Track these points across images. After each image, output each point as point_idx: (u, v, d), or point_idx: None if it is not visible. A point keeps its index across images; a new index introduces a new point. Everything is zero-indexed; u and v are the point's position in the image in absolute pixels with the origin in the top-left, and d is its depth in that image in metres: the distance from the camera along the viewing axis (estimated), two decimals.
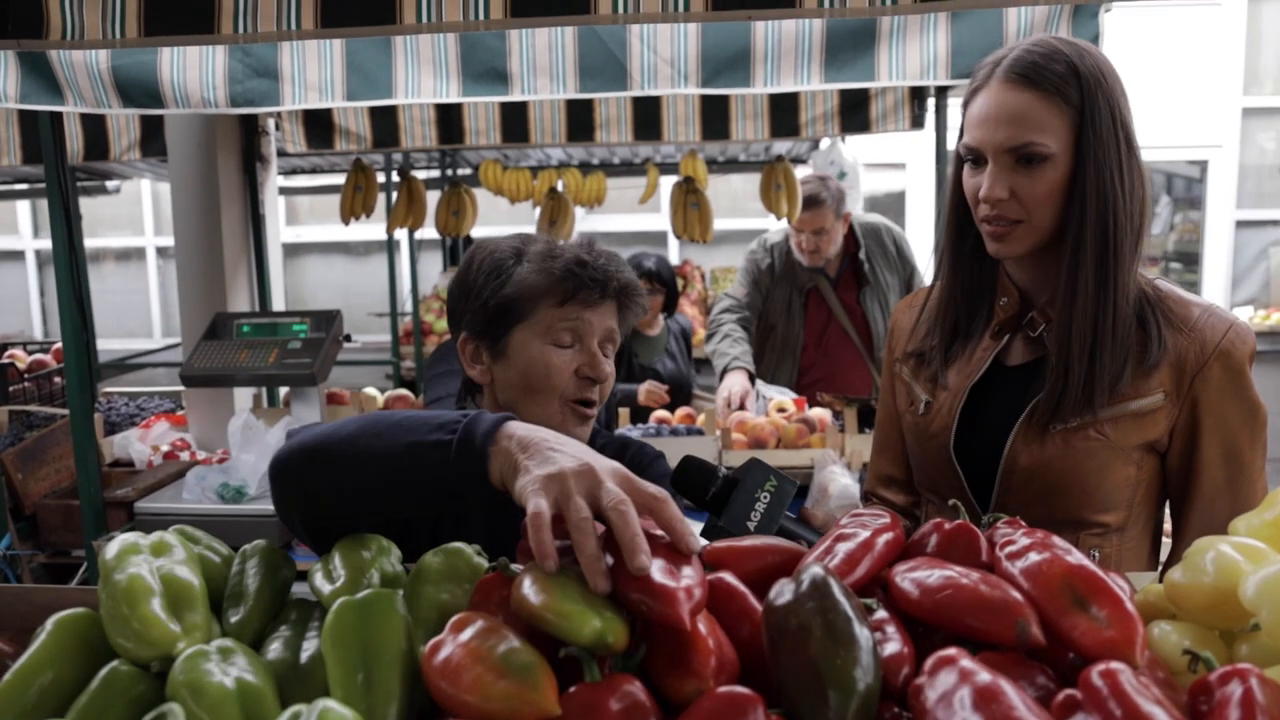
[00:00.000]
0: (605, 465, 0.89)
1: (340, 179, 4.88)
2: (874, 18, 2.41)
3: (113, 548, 0.96)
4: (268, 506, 2.68)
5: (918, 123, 3.75)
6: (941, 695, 0.71)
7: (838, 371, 3.69)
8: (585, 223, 8.24)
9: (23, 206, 9.28)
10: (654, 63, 2.44)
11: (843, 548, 0.95)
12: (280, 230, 4.28)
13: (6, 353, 4.69)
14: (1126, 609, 0.79)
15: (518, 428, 0.96)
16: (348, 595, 0.89)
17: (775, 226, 4.09)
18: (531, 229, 5.48)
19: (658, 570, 0.81)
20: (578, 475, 0.87)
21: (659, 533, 0.90)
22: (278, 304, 4.05)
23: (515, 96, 2.48)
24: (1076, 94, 1.28)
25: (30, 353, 4.79)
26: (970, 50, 2.44)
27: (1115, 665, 0.73)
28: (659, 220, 8.11)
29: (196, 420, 3.67)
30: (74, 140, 3.93)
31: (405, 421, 1.02)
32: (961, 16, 2.42)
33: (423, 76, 2.47)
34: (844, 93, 3.73)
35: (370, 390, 3.65)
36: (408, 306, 6.39)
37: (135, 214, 9.30)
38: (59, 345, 4.69)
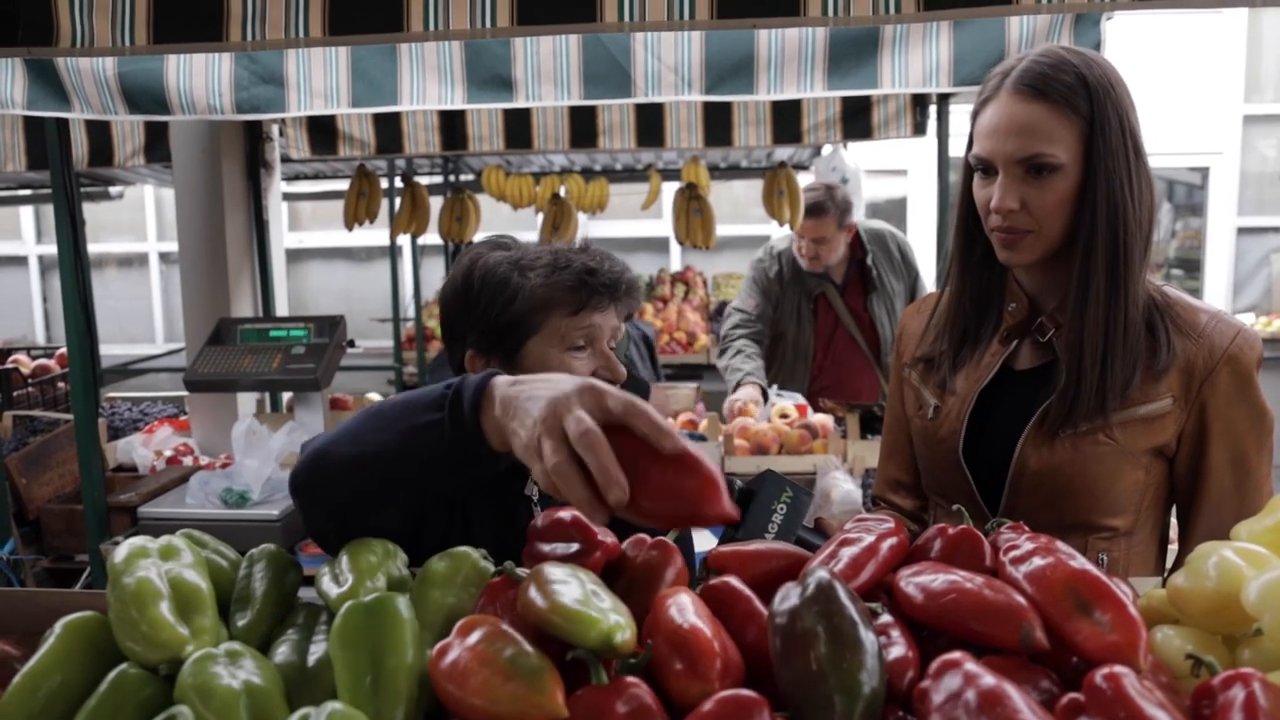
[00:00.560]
0: (565, 397, 0.87)
1: (344, 185, 4.89)
2: (877, 26, 2.42)
3: (122, 551, 0.96)
4: (271, 511, 2.68)
5: (920, 129, 3.76)
6: (946, 699, 0.71)
7: (846, 377, 3.70)
8: (587, 228, 8.25)
9: (26, 212, 9.30)
10: (658, 70, 2.45)
11: (847, 552, 0.95)
12: (284, 236, 4.28)
13: (10, 358, 4.69)
14: (1130, 613, 0.80)
15: (499, 389, 0.94)
16: (355, 599, 0.89)
17: (778, 233, 4.10)
18: (534, 235, 5.49)
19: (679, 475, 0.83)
20: (546, 426, 0.86)
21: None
22: (281, 309, 4.05)
23: (520, 103, 2.49)
24: (1085, 104, 1.29)
25: (34, 358, 4.80)
26: (972, 58, 2.45)
27: (1119, 669, 0.73)
28: (661, 226, 8.12)
29: (200, 425, 3.68)
30: (78, 146, 3.94)
31: (399, 406, 1.02)
32: (964, 25, 2.43)
33: (428, 83, 2.48)
34: (846, 99, 3.73)
35: (373, 395, 3.67)
36: (410, 312, 6.40)
37: (138, 219, 9.31)
38: (62, 350, 4.70)
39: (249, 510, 2.70)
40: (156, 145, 3.91)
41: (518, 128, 3.88)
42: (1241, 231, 8.60)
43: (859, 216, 5.03)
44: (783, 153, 5.35)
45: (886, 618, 0.87)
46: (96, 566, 2.72)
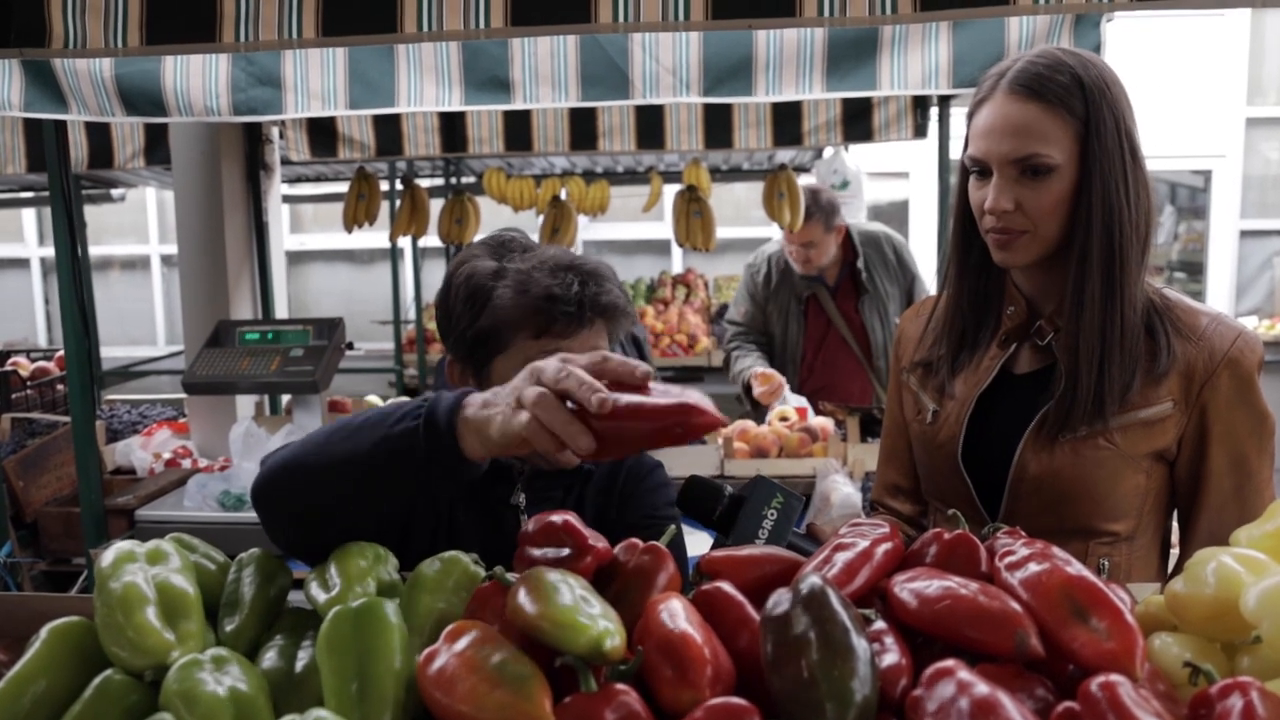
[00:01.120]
0: (541, 364, 0.94)
1: (345, 187, 4.89)
2: (875, 27, 2.42)
3: (108, 555, 0.96)
4: None
5: (920, 132, 3.75)
6: (939, 707, 0.70)
7: (837, 380, 3.70)
8: (588, 231, 8.24)
9: (28, 214, 9.31)
10: (656, 71, 2.44)
11: (841, 557, 0.94)
12: (284, 238, 4.28)
13: (9, 360, 4.69)
14: (1126, 620, 0.79)
15: (476, 398, 0.98)
16: (343, 604, 0.89)
17: (778, 235, 4.09)
18: (535, 237, 5.48)
19: (663, 397, 0.88)
20: (528, 380, 0.93)
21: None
22: (281, 311, 4.05)
23: (517, 105, 2.48)
24: (1081, 105, 1.29)
25: (33, 360, 4.80)
26: (972, 60, 2.44)
27: (1115, 677, 0.72)
28: (662, 228, 8.11)
29: (199, 428, 3.67)
30: (78, 148, 3.94)
31: (370, 419, 1.04)
32: (963, 26, 2.43)
33: (425, 85, 2.48)
34: (847, 102, 3.73)
35: (373, 398, 3.66)
36: (411, 314, 6.40)
37: (140, 222, 9.32)
38: (62, 353, 4.70)
39: (247, 513, 2.69)
40: (156, 147, 3.91)
41: (518, 130, 3.87)
42: (1244, 234, 8.58)
43: (859, 219, 5.03)
44: (784, 155, 5.35)
45: (880, 624, 0.86)
46: (93, 570, 2.71)
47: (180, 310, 3.72)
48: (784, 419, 3.37)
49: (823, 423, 3.30)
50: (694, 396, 0.87)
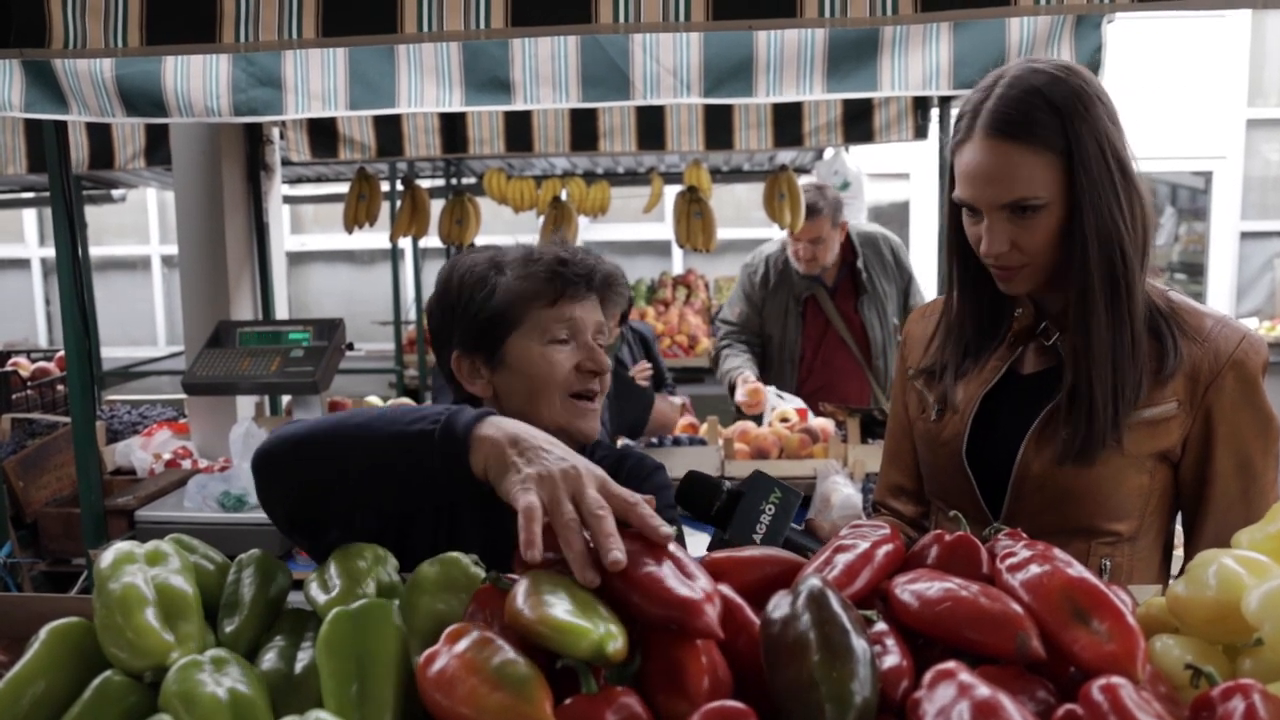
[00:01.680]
0: (587, 469, 0.93)
1: (345, 188, 4.89)
2: (876, 28, 2.42)
3: (108, 556, 0.95)
4: None
5: (921, 133, 3.75)
6: (940, 709, 0.70)
7: (835, 380, 3.70)
8: (589, 232, 8.24)
9: (29, 215, 9.31)
10: (656, 72, 2.44)
11: (842, 559, 0.94)
12: (285, 238, 4.28)
13: (10, 360, 4.69)
14: (1128, 622, 0.79)
15: (502, 421, 0.99)
16: (343, 605, 0.88)
17: (779, 236, 4.09)
18: (535, 238, 5.47)
19: (675, 581, 0.83)
20: (565, 477, 0.91)
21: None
22: (282, 312, 4.04)
23: (518, 105, 2.48)
24: (1060, 138, 1.26)
25: (34, 360, 4.80)
26: (973, 61, 2.44)
27: (1116, 680, 0.72)
28: (663, 229, 8.11)
29: (199, 428, 3.67)
30: (79, 149, 3.93)
31: (388, 414, 1.06)
32: (964, 27, 2.42)
33: (425, 85, 2.48)
34: (847, 103, 3.73)
35: (373, 398, 3.66)
36: (411, 315, 6.40)
37: (141, 222, 9.32)
38: (62, 353, 4.70)
39: (247, 514, 2.69)
40: (157, 148, 3.91)
41: (518, 130, 3.87)
42: (1245, 236, 8.58)
43: (860, 220, 5.02)
44: (784, 156, 5.35)
45: (881, 626, 0.86)
46: (93, 570, 2.71)
47: (181, 311, 3.72)
48: (784, 420, 3.37)
49: (823, 424, 3.30)
50: (700, 590, 0.82)
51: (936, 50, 2.44)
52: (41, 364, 4.66)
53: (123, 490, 2.98)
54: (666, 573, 0.84)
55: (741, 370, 3.58)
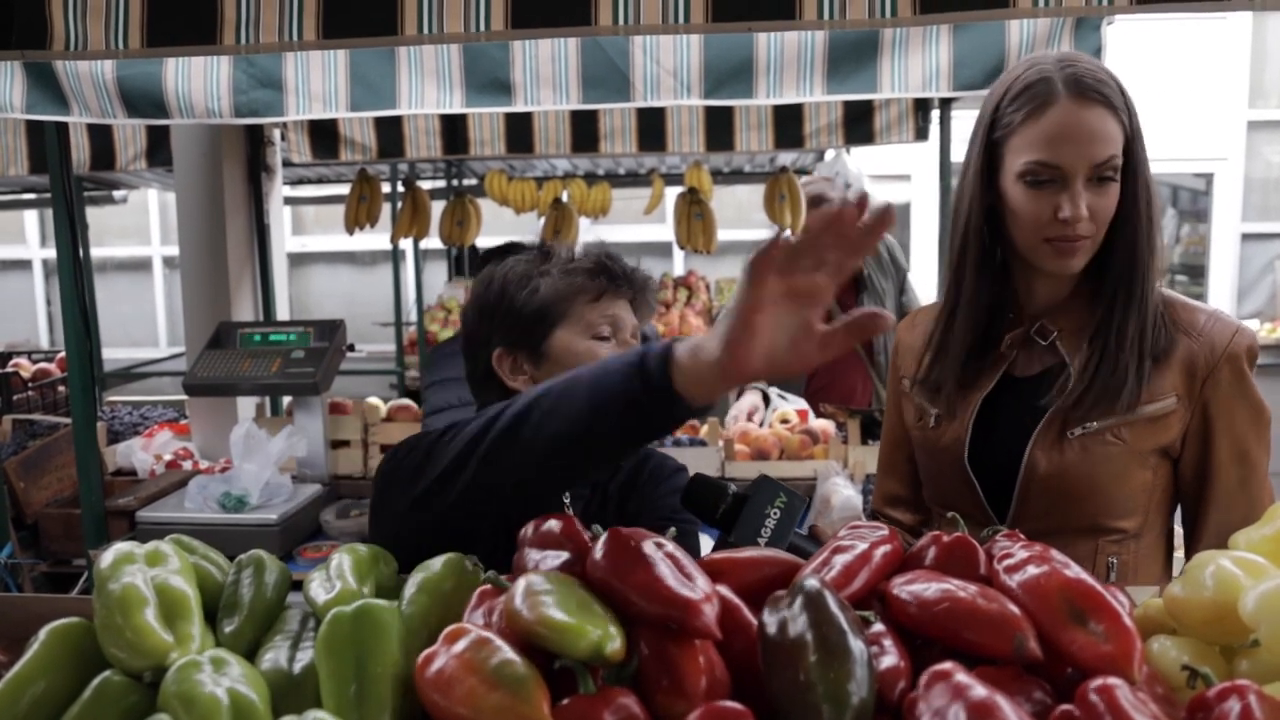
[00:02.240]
0: None
1: (346, 189, 4.90)
2: (876, 30, 2.42)
3: (108, 557, 0.96)
4: (269, 515, 2.68)
5: (922, 134, 3.75)
6: (936, 710, 0.70)
7: (838, 376, 3.70)
8: (590, 233, 8.23)
9: (30, 216, 9.33)
10: (656, 74, 2.44)
11: (840, 560, 0.94)
12: (286, 240, 4.28)
13: (11, 361, 4.69)
14: (1125, 624, 0.79)
15: (684, 342, 0.99)
16: (342, 606, 0.89)
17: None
18: (535, 239, 5.47)
19: (674, 581, 0.83)
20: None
21: (657, 539, 0.90)
22: (283, 313, 4.05)
23: (518, 107, 2.49)
24: (1125, 109, 1.31)
25: (35, 361, 4.80)
26: (972, 63, 2.44)
27: (1112, 681, 0.72)
28: (664, 231, 8.11)
29: (200, 429, 3.67)
30: (80, 150, 3.94)
31: (589, 369, 1.07)
32: (964, 29, 2.43)
33: (426, 87, 2.48)
34: (848, 104, 3.73)
35: (374, 400, 3.65)
36: (413, 316, 6.40)
37: (142, 224, 9.33)
38: (64, 354, 4.70)
39: (247, 514, 2.70)
40: (158, 149, 3.91)
41: (519, 132, 3.88)
42: (1246, 237, 8.58)
43: None
44: (785, 157, 5.35)
45: (879, 626, 0.86)
46: (93, 571, 2.71)
47: (182, 312, 3.72)
48: (785, 421, 3.37)
49: (823, 425, 3.30)
50: (699, 590, 0.82)
51: (936, 52, 2.45)
52: (43, 365, 4.66)
53: (123, 491, 2.98)
54: (665, 572, 0.84)
55: (751, 386, 3.58)
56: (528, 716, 0.74)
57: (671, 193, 5.40)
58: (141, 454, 3.35)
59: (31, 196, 6.47)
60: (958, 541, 0.97)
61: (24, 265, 9.56)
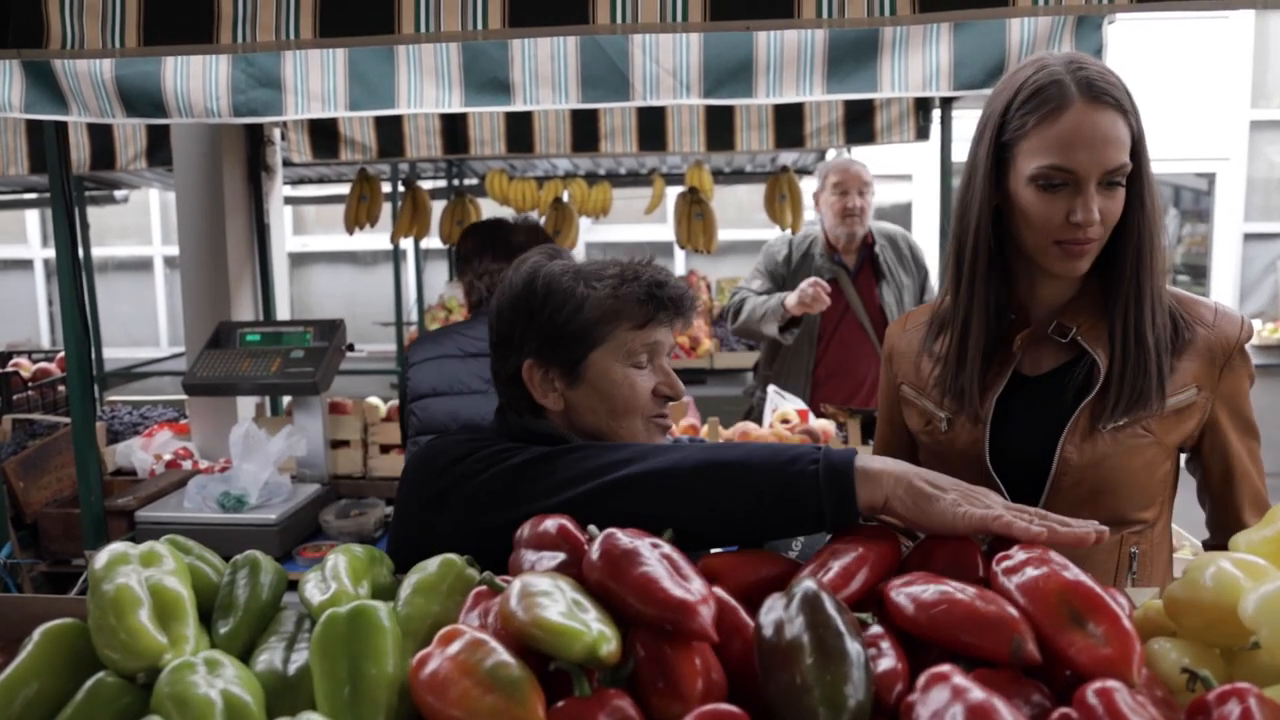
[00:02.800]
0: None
1: (346, 188, 4.90)
2: (876, 29, 2.41)
3: (102, 557, 0.95)
4: (268, 515, 2.68)
5: (923, 134, 3.75)
6: (933, 713, 0.70)
7: (851, 361, 3.70)
8: (590, 233, 8.24)
9: (31, 216, 9.34)
10: (656, 73, 2.44)
11: (837, 562, 0.94)
12: (286, 239, 4.28)
13: (11, 361, 4.69)
14: (1124, 626, 0.78)
15: (872, 459, 1.06)
16: (336, 607, 0.88)
17: (780, 237, 4.10)
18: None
19: (670, 583, 0.82)
20: (980, 492, 1.03)
21: (653, 540, 0.89)
22: (283, 313, 4.05)
23: (517, 106, 2.48)
24: (1133, 112, 1.33)
25: (35, 361, 4.80)
26: (973, 62, 2.43)
27: (1111, 684, 0.72)
28: (665, 231, 8.11)
29: (199, 429, 3.67)
30: (80, 150, 3.94)
31: (755, 453, 1.10)
32: (964, 28, 2.42)
33: (425, 86, 2.47)
34: (849, 104, 3.72)
35: (374, 400, 3.65)
36: (413, 316, 6.40)
37: (143, 223, 9.34)
38: (63, 354, 4.70)
39: (246, 514, 2.69)
40: (158, 149, 3.91)
41: (519, 132, 3.87)
42: (1248, 237, 8.57)
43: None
44: (786, 157, 5.34)
45: (876, 629, 0.86)
46: None
47: (182, 311, 3.72)
48: (785, 421, 3.36)
49: (824, 425, 3.29)
50: (695, 592, 0.82)
51: (937, 51, 2.44)
52: (43, 364, 4.66)
53: (123, 491, 2.98)
54: (661, 574, 0.83)
55: (776, 295, 3.55)
56: (522, 719, 0.74)
57: (672, 192, 5.39)
58: (141, 454, 3.34)
59: (32, 196, 6.48)
60: (957, 543, 0.97)
61: (25, 265, 9.57)
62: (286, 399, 3.87)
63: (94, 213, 6.33)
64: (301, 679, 0.89)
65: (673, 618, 0.80)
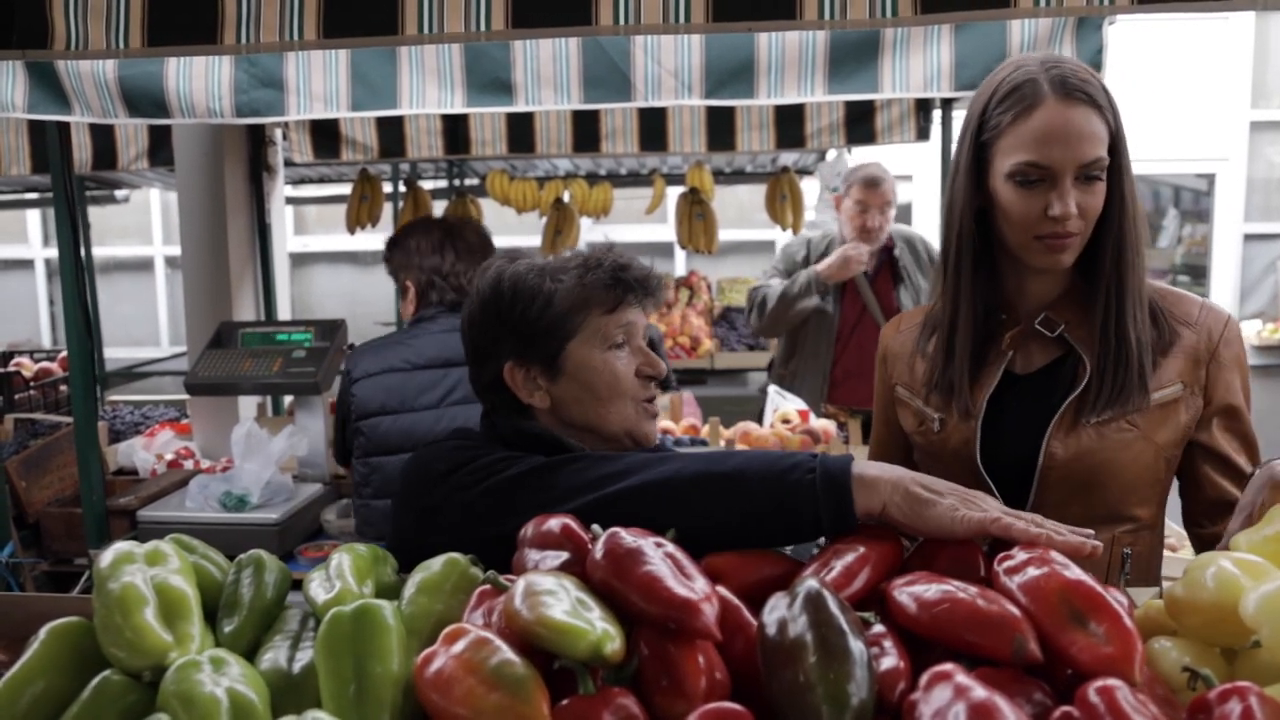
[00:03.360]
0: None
1: (347, 189, 4.90)
2: (877, 30, 2.42)
3: (107, 556, 0.96)
4: (270, 515, 2.68)
5: (924, 135, 3.75)
6: (936, 711, 0.70)
7: (869, 364, 3.69)
8: (591, 233, 8.22)
9: (33, 216, 9.34)
10: (658, 74, 2.44)
11: (840, 562, 0.94)
12: (287, 239, 4.29)
13: (13, 361, 4.70)
14: (1125, 625, 0.79)
15: (868, 464, 1.06)
16: (341, 606, 0.88)
17: (782, 237, 4.10)
18: (537, 239, 5.49)
19: (673, 582, 0.83)
20: (979, 497, 1.03)
21: (656, 539, 0.90)
22: (284, 313, 4.05)
23: (519, 107, 2.48)
24: (1109, 108, 1.34)
25: (37, 360, 4.81)
26: (974, 62, 2.44)
27: (1113, 682, 0.72)
28: (665, 231, 8.11)
29: (201, 429, 3.67)
30: (82, 150, 3.94)
31: (751, 462, 1.10)
32: (965, 29, 2.42)
33: (427, 87, 2.48)
34: (850, 104, 3.73)
35: None
36: None
37: (144, 223, 9.34)
38: (65, 354, 4.70)
39: (248, 514, 2.70)
40: (160, 149, 3.91)
41: (520, 132, 3.88)
42: (1248, 238, 8.57)
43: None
44: (787, 158, 5.35)
45: (879, 628, 0.86)
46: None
47: (183, 311, 3.72)
48: (786, 421, 3.37)
49: (824, 425, 3.29)
50: (698, 591, 0.82)
51: (938, 52, 2.44)
52: (44, 364, 4.67)
53: (125, 490, 2.98)
54: (665, 573, 0.84)
55: (802, 272, 3.54)
56: (527, 717, 0.74)
57: (673, 193, 5.40)
58: (143, 453, 3.34)
59: (34, 196, 6.48)
60: (958, 543, 0.97)
61: (26, 265, 9.57)
62: (288, 399, 3.88)
63: (95, 213, 6.33)
64: (306, 678, 0.90)
65: (676, 616, 0.80)
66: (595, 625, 0.79)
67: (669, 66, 2.43)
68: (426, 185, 5.29)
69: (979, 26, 2.42)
